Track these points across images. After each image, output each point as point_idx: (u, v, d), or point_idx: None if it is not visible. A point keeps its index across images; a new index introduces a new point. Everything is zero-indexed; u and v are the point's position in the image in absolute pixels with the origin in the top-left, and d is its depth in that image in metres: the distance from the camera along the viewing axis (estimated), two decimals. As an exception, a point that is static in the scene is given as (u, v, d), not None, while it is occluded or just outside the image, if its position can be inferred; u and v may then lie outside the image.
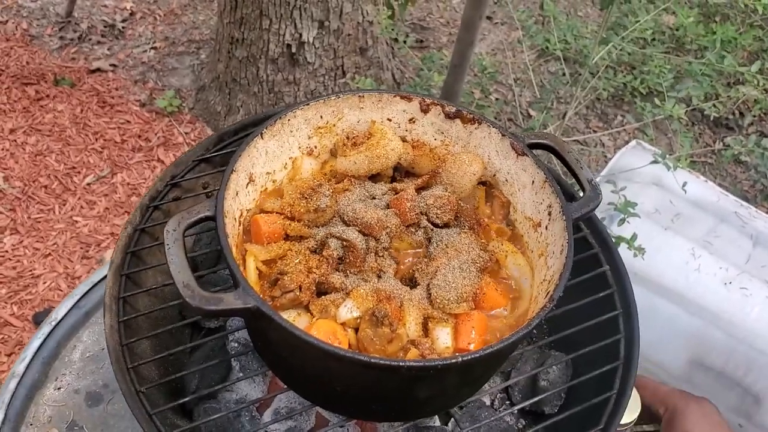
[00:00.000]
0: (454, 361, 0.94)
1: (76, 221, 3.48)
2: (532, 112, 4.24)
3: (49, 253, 3.35)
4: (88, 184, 3.63)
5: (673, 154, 3.11)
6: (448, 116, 1.28)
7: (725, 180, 4.09)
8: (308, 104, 1.23)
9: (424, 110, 1.29)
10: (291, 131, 1.23)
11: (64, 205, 3.52)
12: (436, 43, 4.60)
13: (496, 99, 4.23)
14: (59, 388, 1.73)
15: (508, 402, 1.38)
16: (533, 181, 1.21)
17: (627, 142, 4.24)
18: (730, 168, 4.14)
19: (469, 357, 0.95)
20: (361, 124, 1.30)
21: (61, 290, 3.27)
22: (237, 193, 1.14)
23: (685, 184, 2.91)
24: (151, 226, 1.34)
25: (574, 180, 1.23)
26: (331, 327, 1.06)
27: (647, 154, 3.28)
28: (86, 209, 3.53)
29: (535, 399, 1.26)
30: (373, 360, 0.93)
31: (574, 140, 4.10)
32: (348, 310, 1.07)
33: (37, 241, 3.38)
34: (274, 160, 1.23)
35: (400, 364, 0.93)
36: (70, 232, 3.43)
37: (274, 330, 0.98)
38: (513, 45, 4.55)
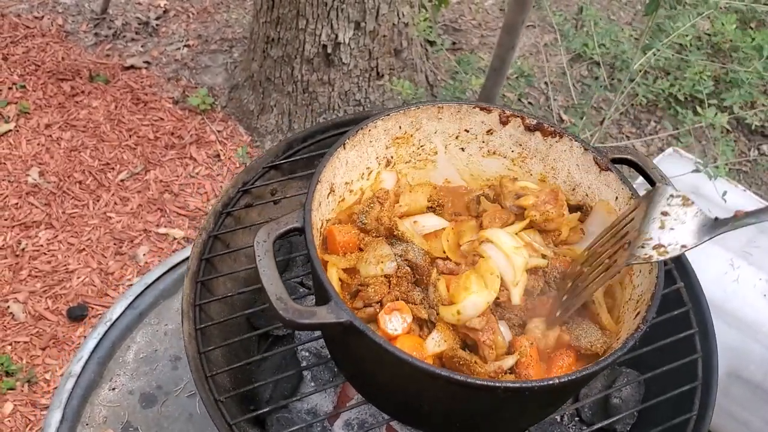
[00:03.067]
0: (551, 383, 0.93)
1: (110, 217, 3.49)
2: (564, 117, 4.21)
3: (83, 249, 3.36)
4: (122, 181, 3.63)
5: (710, 162, 3.08)
6: (528, 128, 1.26)
7: (760, 189, 4.05)
8: (389, 114, 1.22)
9: (504, 122, 1.27)
10: (370, 141, 1.22)
11: (98, 200, 3.53)
12: (468, 45, 4.58)
13: (530, 103, 4.21)
14: (114, 389, 1.73)
15: (577, 418, 1.37)
16: (617, 197, 1.19)
17: (660, 149, 4.21)
18: (766, 177, 4.10)
19: (566, 379, 0.93)
20: (437, 134, 1.29)
21: (95, 285, 3.28)
22: (320, 204, 1.13)
23: (725, 193, 2.87)
24: (223, 233, 1.33)
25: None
26: (413, 341, 1.05)
27: (684, 161, 3.25)
28: (120, 205, 3.54)
29: (612, 420, 1.24)
30: (470, 380, 0.92)
31: (609, 146, 4.07)
32: (435, 344, 1.06)
33: (72, 236, 3.39)
34: (353, 171, 1.22)
35: (497, 384, 0.92)
36: (104, 228, 3.44)
37: (363, 345, 0.97)
38: (547, 48, 4.52)
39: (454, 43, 4.56)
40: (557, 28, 3.53)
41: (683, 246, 1.01)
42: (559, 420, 1.35)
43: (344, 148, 1.18)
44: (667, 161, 3.38)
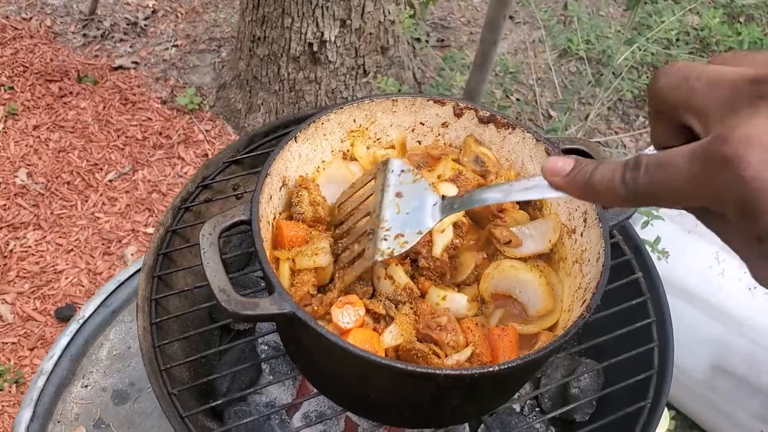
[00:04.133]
0: (491, 369, 0.93)
1: (98, 217, 3.50)
2: (552, 113, 4.21)
3: (72, 249, 3.37)
4: (110, 181, 3.65)
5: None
6: (482, 120, 1.27)
7: (749, 183, 4.04)
8: (342, 108, 1.23)
9: (458, 114, 1.28)
10: (324, 134, 1.23)
11: (87, 201, 3.55)
12: (457, 43, 4.58)
13: (517, 99, 4.21)
14: (86, 386, 1.74)
15: (537, 408, 1.37)
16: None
17: (649, 144, 4.20)
18: (754, 171, 4.08)
19: (506, 366, 0.94)
20: (393, 127, 1.30)
21: (83, 286, 3.29)
22: (271, 197, 1.13)
23: (709, 187, 2.86)
24: (182, 228, 1.34)
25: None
26: (366, 334, 1.06)
27: (671, 156, 3.25)
28: (108, 206, 3.55)
29: (568, 407, 1.25)
30: (409, 368, 0.92)
31: (596, 141, 4.07)
32: (393, 337, 1.06)
33: (60, 237, 3.41)
34: (307, 164, 1.23)
35: (437, 372, 0.93)
36: (92, 228, 3.45)
37: (309, 336, 0.98)
38: (534, 45, 4.52)
39: (442, 41, 4.56)
40: (542, 24, 3.54)
41: (418, 233, 0.97)
42: (518, 410, 1.36)
43: (296, 141, 1.18)
44: (653, 155, 3.38)
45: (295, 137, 1.18)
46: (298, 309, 0.96)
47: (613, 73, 3.31)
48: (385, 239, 1.00)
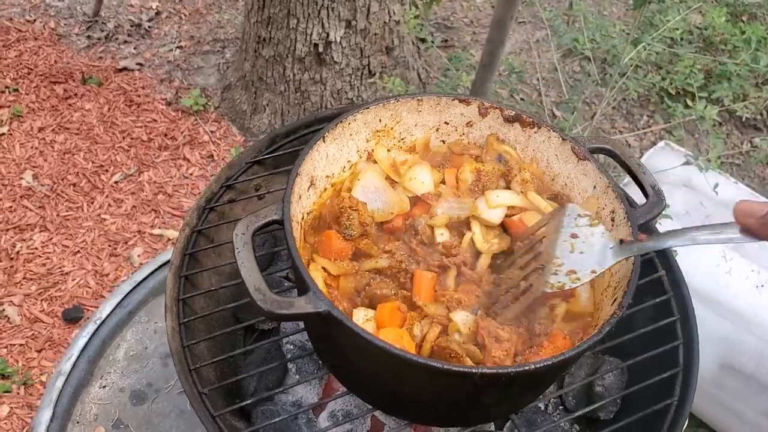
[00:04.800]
0: (527, 368, 0.94)
1: (104, 219, 3.49)
2: (557, 112, 4.21)
3: (78, 251, 3.37)
4: (116, 182, 3.64)
5: (702, 155, 3.09)
6: (507, 120, 1.27)
7: (753, 181, 4.06)
8: (368, 107, 1.23)
9: (483, 114, 1.28)
10: (350, 134, 1.23)
11: (92, 203, 3.54)
12: (461, 43, 4.59)
13: (522, 99, 4.21)
14: (104, 387, 1.74)
15: (561, 407, 1.38)
16: (595, 186, 1.20)
17: (653, 143, 4.21)
18: (759, 169, 4.10)
19: (542, 364, 0.94)
20: (418, 127, 1.30)
21: (90, 287, 3.28)
22: (300, 197, 1.14)
23: (716, 185, 2.88)
24: (207, 228, 1.34)
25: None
26: (397, 333, 1.06)
27: (676, 154, 3.26)
28: (114, 207, 3.55)
29: (594, 406, 1.25)
30: (446, 366, 0.93)
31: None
32: (464, 324, 1.07)
33: (66, 239, 3.40)
34: (334, 164, 1.23)
35: (474, 370, 0.93)
36: (98, 230, 3.45)
37: (344, 335, 0.98)
38: (538, 44, 4.52)
39: (446, 41, 4.57)
40: (548, 24, 3.54)
41: (593, 271, 1.04)
42: (543, 408, 1.36)
43: (324, 141, 1.18)
44: (658, 154, 3.39)
45: (323, 137, 1.18)
46: (333, 308, 0.96)
47: (619, 72, 3.31)
48: (556, 273, 1.06)
